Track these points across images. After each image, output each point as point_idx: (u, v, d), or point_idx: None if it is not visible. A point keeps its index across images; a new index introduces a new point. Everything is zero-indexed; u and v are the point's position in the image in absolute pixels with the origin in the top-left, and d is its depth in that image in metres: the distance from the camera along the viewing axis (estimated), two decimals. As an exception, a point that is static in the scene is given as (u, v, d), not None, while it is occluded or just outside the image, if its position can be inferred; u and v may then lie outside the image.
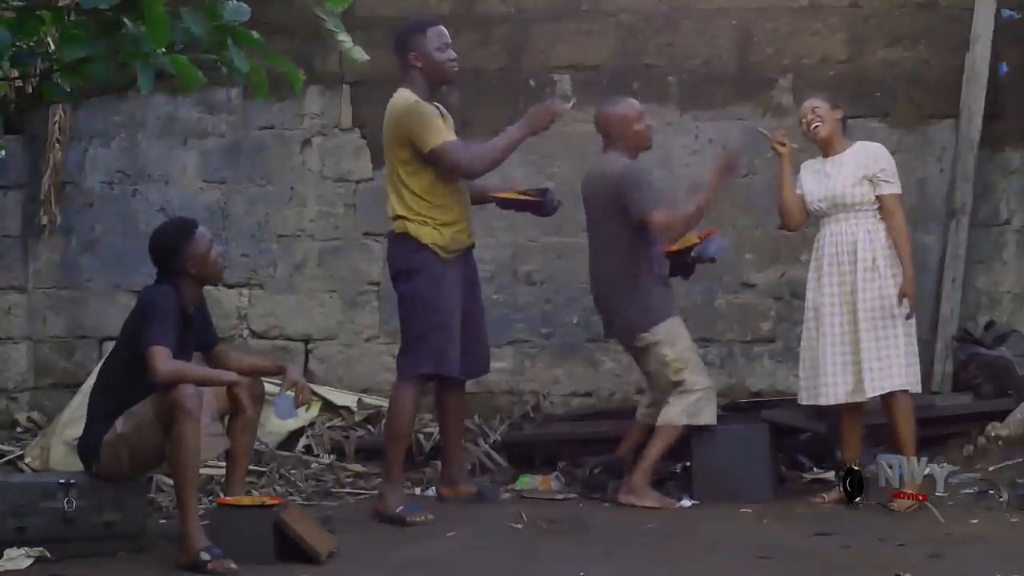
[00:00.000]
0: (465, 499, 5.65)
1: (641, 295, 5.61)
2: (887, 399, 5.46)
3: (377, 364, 6.88)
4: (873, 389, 5.45)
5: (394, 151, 5.40)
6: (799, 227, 5.76)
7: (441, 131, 5.30)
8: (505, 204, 5.66)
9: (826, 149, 5.60)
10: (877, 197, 5.49)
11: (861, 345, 5.43)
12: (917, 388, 5.53)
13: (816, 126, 5.57)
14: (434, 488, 5.86)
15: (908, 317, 5.45)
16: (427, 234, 5.35)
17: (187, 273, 4.85)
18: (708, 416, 5.63)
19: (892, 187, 5.51)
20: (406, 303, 5.41)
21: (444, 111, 5.52)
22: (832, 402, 5.53)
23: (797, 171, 5.70)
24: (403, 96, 5.37)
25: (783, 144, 5.70)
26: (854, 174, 5.50)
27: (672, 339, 5.63)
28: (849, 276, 5.48)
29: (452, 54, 5.41)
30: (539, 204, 5.54)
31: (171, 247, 4.86)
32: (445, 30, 5.42)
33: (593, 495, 5.75)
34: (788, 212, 5.67)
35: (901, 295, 5.43)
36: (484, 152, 5.37)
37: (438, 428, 5.97)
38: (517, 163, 6.78)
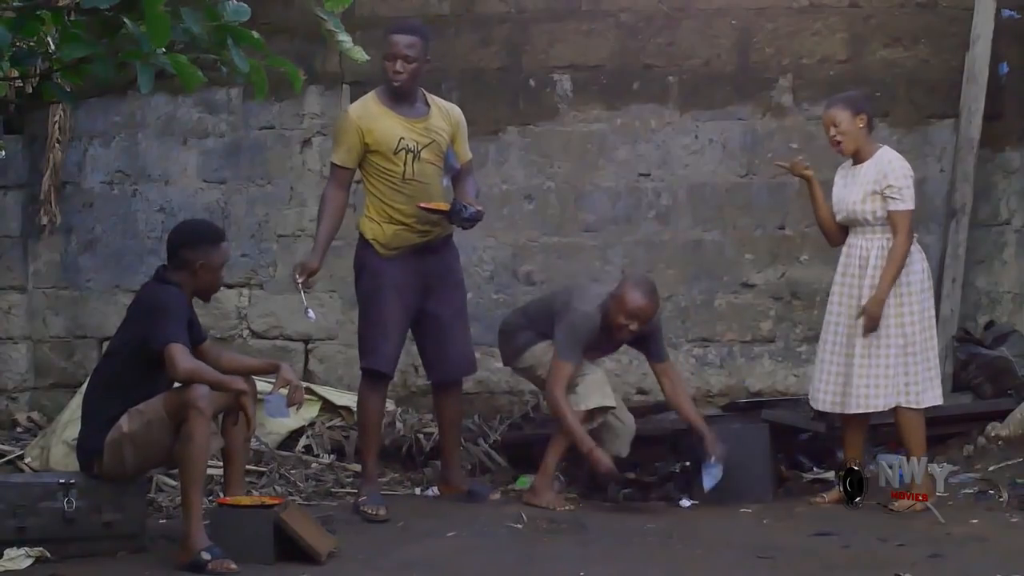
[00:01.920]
0: (457, 498, 5.69)
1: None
2: (894, 411, 5.46)
3: (377, 364, 6.87)
4: (857, 406, 5.44)
5: None
6: (840, 243, 5.58)
7: (339, 151, 5.53)
8: (426, 213, 5.58)
9: (855, 157, 5.51)
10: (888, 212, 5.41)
11: (853, 360, 5.42)
12: (921, 404, 5.45)
13: (839, 142, 5.48)
14: (435, 488, 5.89)
15: (864, 335, 5.38)
16: (370, 230, 5.52)
17: (193, 273, 4.85)
18: (597, 399, 5.64)
19: (899, 204, 5.38)
20: (357, 298, 5.62)
21: (440, 111, 5.62)
22: (820, 408, 5.59)
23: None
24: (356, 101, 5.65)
25: (806, 169, 5.61)
26: (864, 189, 5.43)
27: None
28: (856, 290, 5.46)
29: (397, 65, 5.47)
30: (445, 213, 5.48)
31: (194, 241, 4.88)
32: (395, 38, 5.51)
33: (593, 495, 5.75)
34: (826, 230, 5.64)
35: (860, 311, 5.39)
36: (324, 199, 5.57)
37: (438, 430, 6.01)
38: (517, 163, 6.81)
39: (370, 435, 5.60)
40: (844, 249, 5.54)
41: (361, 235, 5.57)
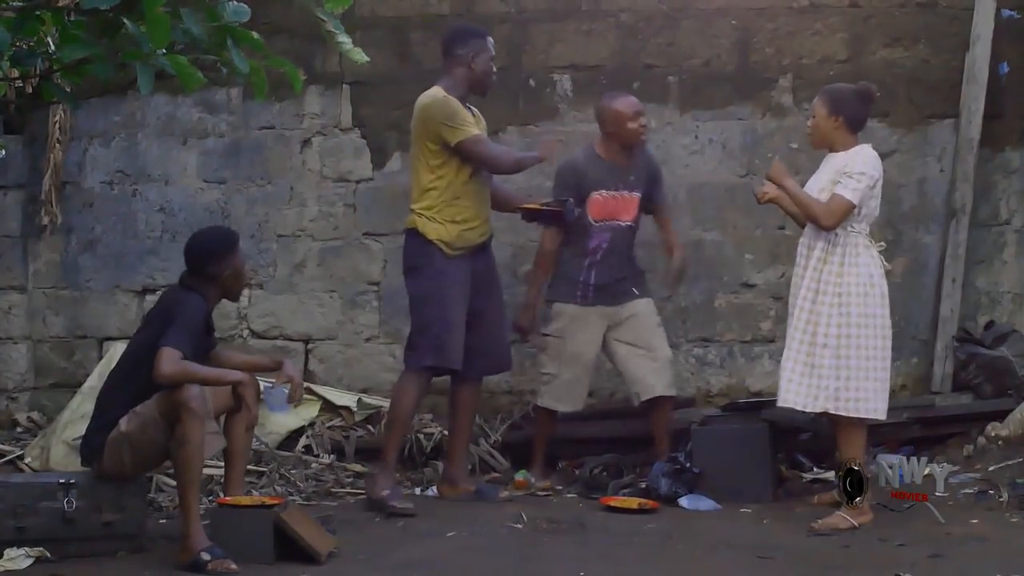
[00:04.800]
0: (464, 498, 5.68)
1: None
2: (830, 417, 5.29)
3: (377, 364, 6.87)
4: (783, 400, 5.26)
5: (421, 145, 5.58)
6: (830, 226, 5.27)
7: (469, 125, 5.51)
8: (530, 216, 5.81)
9: (830, 149, 5.33)
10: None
11: (790, 354, 5.26)
12: (854, 412, 5.16)
13: (809, 133, 5.39)
14: (435, 487, 5.89)
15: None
16: (434, 230, 5.51)
17: (219, 282, 4.89)
18: (547, 400, 5.97)
19: (843, 190, 5.13)
20: (412, 297, 5.61)
21: (476, 113, 5.75)
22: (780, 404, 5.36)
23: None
24: (433, 91, 5.60)
25: (766, 197, 5.39)
26: (827, 178, 5.25)
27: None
28: (796, 288, 5.30)
29: (494, 68, 5.74)
30: (559, 214, 5.66)
31: (216, 254, 4.90)
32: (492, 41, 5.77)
33: (593, 495, 5.75)
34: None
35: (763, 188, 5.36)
36: (507, 153, 5.72)
37: (448, 424, 6.01)
38: (517, 163, 6.80)
39: (402, 429, 5.67)
40: (799, 240, 5.38)
41: (420, 235, 5.53)
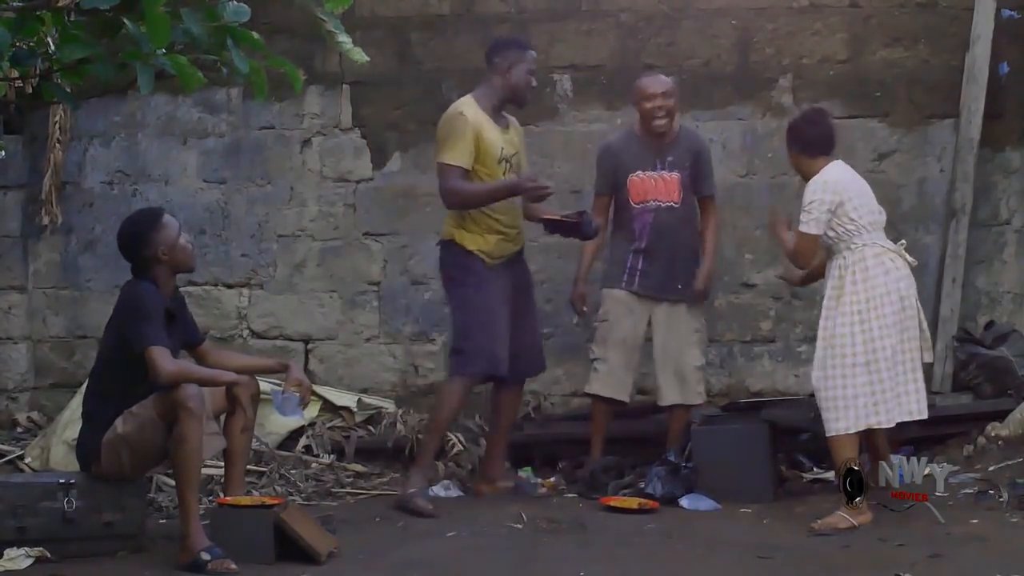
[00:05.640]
0: (504, 494, 5.78)
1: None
2: None
3: (377, 364, 6.88)
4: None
5: None
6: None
7: (459, 152, 5.53)
8: (552, 227, 5.83)
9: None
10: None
11: None
12: (827, 431, 5.24)
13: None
14: (437, 488, 5.89)
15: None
16: (472, 241, 5.65)
17: (159, 261, 4.85)
18: (594, 386, 6.01)
19: (802, 225, 5.28)
20: (455, 307, 5.73)
21: (512, 122, 5.82)
22: None
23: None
24: (457, 103, 5.70)
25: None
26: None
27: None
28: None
29: (534, 81, 5.82)
30: (577, 226, 5.72)
31: (140, 236, 4.86)
32: (533, 54, 5.86)
33: (593, 495, 5.75)
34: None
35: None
36: (465, 190, 5.60)
37: (489, 426, 6.12)
38: (517, 163, 6.80)
39: (439, 433, 5.80)
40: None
41: (458, 246, 5.67)
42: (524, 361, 5.84)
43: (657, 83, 5.97)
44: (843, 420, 5.21)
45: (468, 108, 5.61)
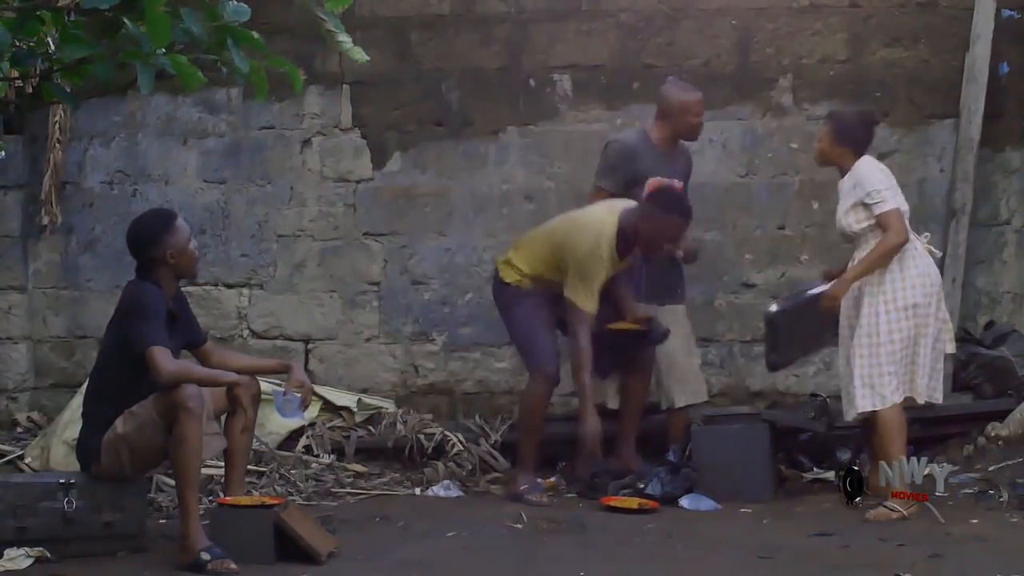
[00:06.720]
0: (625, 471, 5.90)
1: None
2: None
3: (377, 364, 6.87)
4: (847, 413, 5.48)
5: None
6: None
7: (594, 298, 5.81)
8: (615, 336, 5.86)
9: (839, 169, 5.52)
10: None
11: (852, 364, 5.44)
12: (880, 405, 5.32)
13: (815, 155, 5.65)
14: (435, 488, 5.89)
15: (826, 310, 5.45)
16: (510, 275, 5.96)
17: (166, 264, 4.84)
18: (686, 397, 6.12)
19: (882, 206, 5.31)
20: (510, 329, 6.04)
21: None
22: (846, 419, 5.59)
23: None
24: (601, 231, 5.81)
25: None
26: (846, 201, 5.42)
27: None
28: (847, 300, 5.47)
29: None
30: (646, 333, 5.82)
31: (152, 237, 4.85)
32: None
33: (593, 495, 5.75)
34: None
35: (825, 293, 5.45)
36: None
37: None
38: (517, 162, 6.80)
39: (535, 433, 5.91)
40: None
41: (499, 279, 5.98)
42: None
43: (694, 94, 6.05)
44: (888, 389, 5.29)
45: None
